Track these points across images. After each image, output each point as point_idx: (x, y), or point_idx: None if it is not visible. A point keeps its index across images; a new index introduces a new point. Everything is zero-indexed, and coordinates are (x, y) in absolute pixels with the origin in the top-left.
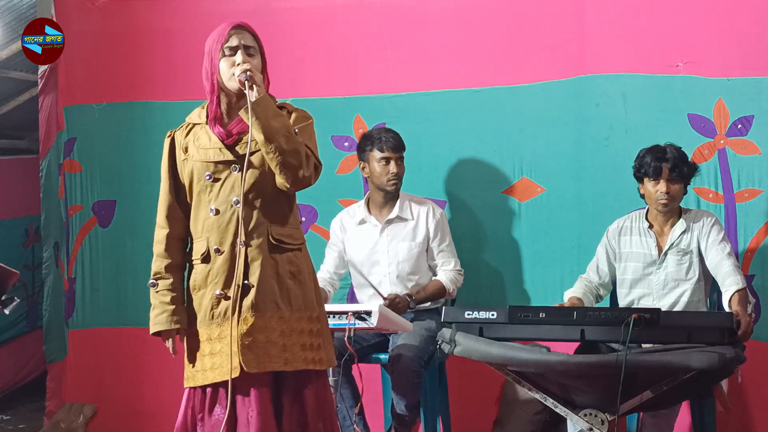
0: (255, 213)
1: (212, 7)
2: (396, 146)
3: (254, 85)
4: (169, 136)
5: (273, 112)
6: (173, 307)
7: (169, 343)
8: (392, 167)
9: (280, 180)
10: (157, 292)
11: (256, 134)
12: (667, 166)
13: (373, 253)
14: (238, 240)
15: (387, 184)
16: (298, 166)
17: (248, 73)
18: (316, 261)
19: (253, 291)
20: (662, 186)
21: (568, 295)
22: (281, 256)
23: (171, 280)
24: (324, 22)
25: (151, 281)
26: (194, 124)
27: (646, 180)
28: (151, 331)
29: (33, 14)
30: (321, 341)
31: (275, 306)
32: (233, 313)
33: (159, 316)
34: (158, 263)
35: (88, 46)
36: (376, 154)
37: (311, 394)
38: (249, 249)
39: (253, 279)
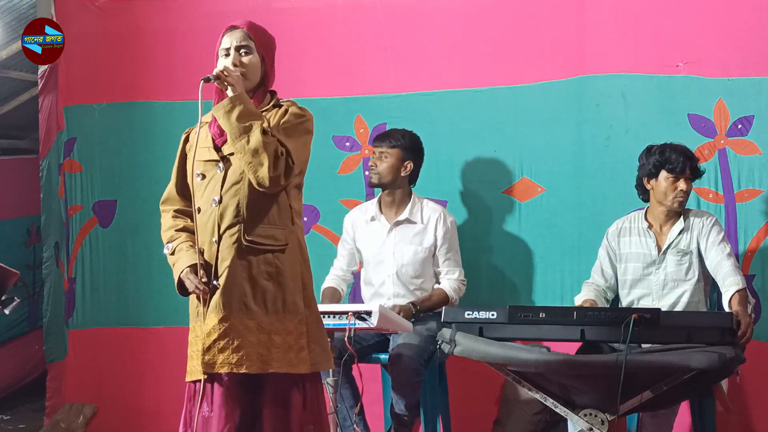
0: (230, 213)
1: (212, 7)
2: (377, 140)
3: (229, 85)
4: (185, 134)
5: (244, 111)
6: (191, 248)
7: (192, 280)
8: (372, 160)
9: (252, 179)
10: (172, 254)
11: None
12: (690, 164)
13: (380, 253)
14: (213, 240)
15: (369, 177)
16: (263, 166)
17: (215, 73)
18: (319, 260)
19: (219, 292)
20: (682, 184)
21: (580, 299)
22: (256, 258)
23: (184, 234)
24: (324, 22)
25: (165, 247)
26: (205, 123)
27: (664, 175)
28: (176, 279)
29: (33, 14)
30: (304, 343)
31: (243, 307)
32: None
33: (180, 261)
34: (168, 233)
35: (88, 46)
36: None
37: (297, 397)
38: (220, 249)
39: (221, 279)
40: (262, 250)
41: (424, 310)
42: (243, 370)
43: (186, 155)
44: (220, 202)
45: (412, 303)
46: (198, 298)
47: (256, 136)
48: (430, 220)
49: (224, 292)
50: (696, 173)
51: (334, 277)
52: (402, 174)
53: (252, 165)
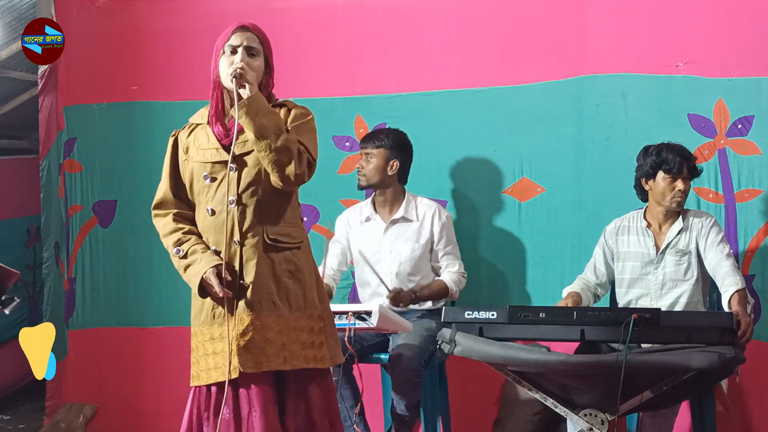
0: (250, 212)
1: (212, 7)
2: (363, 141)
3: (246, 84)
4: (173, 136)
5: (264, 110)
6: (207, 250)
7: (214, 282)
8: (360, 162)
9: (273, 178)
10: (183, 257)
11: (247, 133)
12: (687, 164)
13: (376, 252)
14: (234, 240)
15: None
16: (289, 164)
17: (238, 71)
18: (319, 260)
19: (248, 291)
20: (680, 184)
21: (566, 291)
22: (278, 255)
23: (193, 236)
24: (324, 22)
25: (174, 250)
26: (196, 125)
27: (661, 176)
28: (196, 281)
29: (33, 14)
30: (323, 339)
31: (272, 305)
32: (230, 314)
33: (199, 263)
34: (174, 236)
35: (88, 46)
36: None
37: (317, 392)
38: (244, 249)
39: (249, 279)
40: (282, 248)
41: (424, 298)
42: (281, 368)
43: (178, 157)
44: (238, 202)
45: (412, 290)
46: (218, 299)
47: (283, 135)
48: (425, 216)
49: (254, 291)
50: (694, 173)
51: (324, 276)
52: (389, 173)
53: (278, 163)
